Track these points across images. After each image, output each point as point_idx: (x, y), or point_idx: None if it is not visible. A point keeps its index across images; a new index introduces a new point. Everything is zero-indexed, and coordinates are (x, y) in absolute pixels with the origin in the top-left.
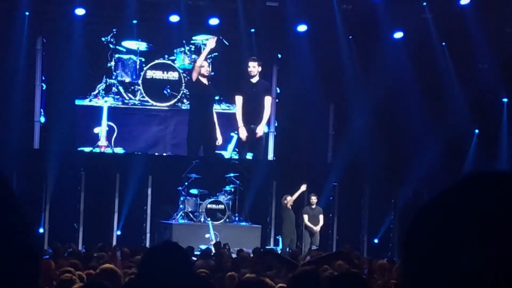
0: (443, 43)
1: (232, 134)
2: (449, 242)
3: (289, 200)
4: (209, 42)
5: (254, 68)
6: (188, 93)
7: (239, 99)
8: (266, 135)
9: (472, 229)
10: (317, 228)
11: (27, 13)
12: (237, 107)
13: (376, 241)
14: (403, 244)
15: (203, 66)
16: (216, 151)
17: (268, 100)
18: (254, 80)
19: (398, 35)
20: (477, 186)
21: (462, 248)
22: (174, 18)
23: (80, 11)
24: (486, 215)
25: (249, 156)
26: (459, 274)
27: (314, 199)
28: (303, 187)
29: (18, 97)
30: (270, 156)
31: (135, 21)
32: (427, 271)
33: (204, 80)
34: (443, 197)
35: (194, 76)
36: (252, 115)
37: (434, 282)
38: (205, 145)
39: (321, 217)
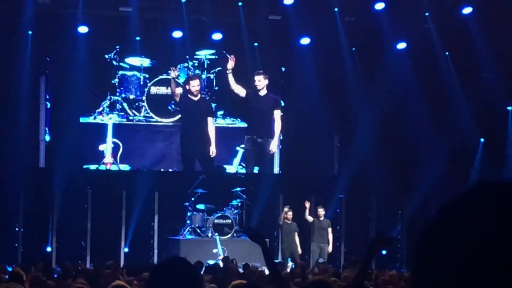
0: (447, 53)
1: (237, 148)
2: (458, 251)
3: (281, 217)
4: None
5: (260, 82)
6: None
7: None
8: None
9: (480, 238)
10: (329, 248)
11: (30, 32)
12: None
13: (384, 252)
14: (414, 252)
15: (194, 86)
16: (224, 165)
17: (277, 114)
18: (262, 93)
19: (401, 45)
20: (485, 195)
21: (471, 256)
22: (177, 34)
23: (83, 29)
24: (494, 224)
25: (255, 170)
26: (468, 280)
27: (321, 211)
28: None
29: (23, 116)
30: (276, 169)
31: (138, 38)
32: (437, 279)
33: (193, 97)
34: (452, 206)
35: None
36: (258, 129)
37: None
38: (200, 159)
39: (329, 230)
